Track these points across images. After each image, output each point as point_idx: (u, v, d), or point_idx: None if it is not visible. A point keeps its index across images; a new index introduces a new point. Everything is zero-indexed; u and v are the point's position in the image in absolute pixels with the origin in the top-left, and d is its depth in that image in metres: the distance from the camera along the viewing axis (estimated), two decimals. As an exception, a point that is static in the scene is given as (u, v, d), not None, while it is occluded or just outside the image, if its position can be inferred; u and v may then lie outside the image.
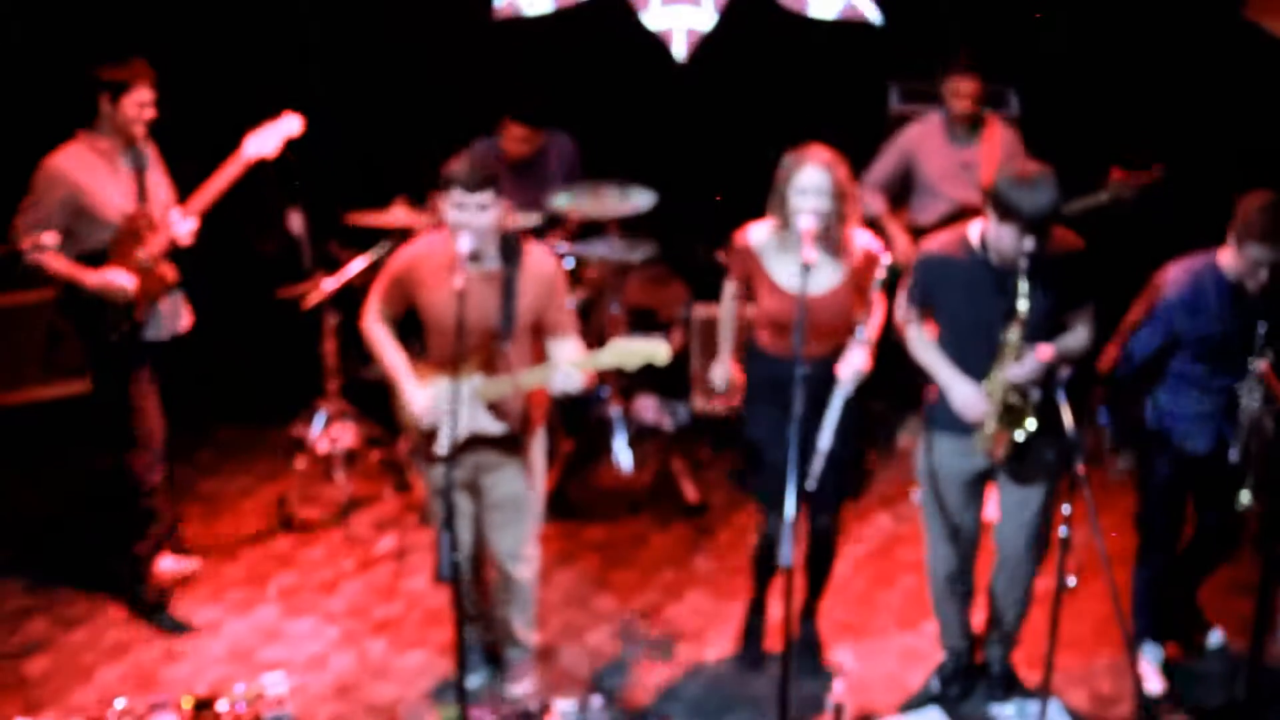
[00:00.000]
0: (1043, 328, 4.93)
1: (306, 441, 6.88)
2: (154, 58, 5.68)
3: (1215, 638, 5.77)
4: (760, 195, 5.13)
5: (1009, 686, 5.52)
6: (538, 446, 5.31)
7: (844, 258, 5.10)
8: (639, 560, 6.45)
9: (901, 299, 5.19)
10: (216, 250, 6.09)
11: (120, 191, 5.68)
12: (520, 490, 5.26)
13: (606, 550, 6.52)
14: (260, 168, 5.92)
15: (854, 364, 4.97)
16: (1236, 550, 5.61)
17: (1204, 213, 5.32)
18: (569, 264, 6.78)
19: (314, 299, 6.50)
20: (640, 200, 6.72)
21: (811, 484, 4.68)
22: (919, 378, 5.24)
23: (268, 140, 5.90)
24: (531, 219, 6.61)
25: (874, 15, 6.68)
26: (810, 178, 4.96)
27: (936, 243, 5.08)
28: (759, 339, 5.34)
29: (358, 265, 6.63)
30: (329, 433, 6.79)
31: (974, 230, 4.97)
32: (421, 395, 5.08)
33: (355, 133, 7.87)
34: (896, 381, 7.19)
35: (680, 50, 6.62)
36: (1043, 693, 4.89)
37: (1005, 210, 4.73)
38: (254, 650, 5.83)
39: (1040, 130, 6.90)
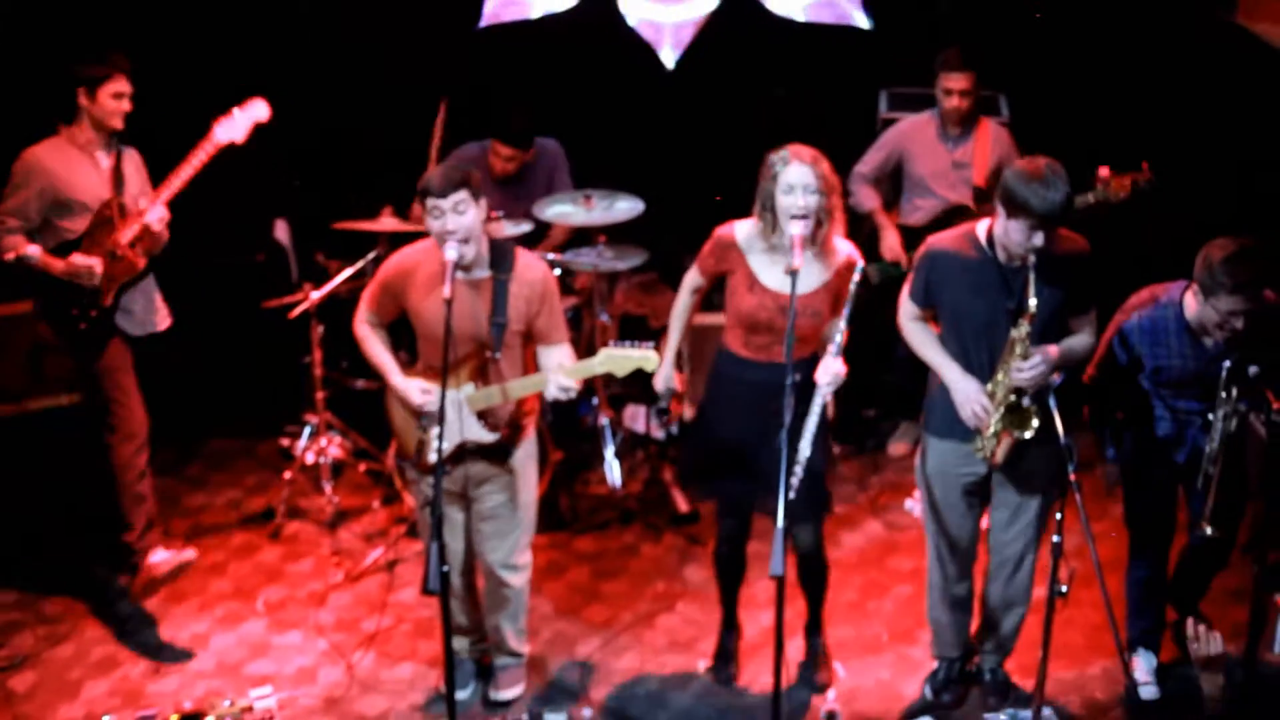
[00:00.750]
0: (1047, 328, 4.90)
1: (294, 453, 6.85)
2: (143, 66, 5.71)
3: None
4: (750, 202, 5.11)
5: (1003, 694, 5.50)
6: (528, 456, 5.28)
7: (826, 260, 5.08)
8: (630, 570, 6.42)
9: (905, 296, 5.16)
10: (202, 260, 6.06)
11: (97, 182, 5.82)
12: (511, 500, 5.23)
13: (597, 560, 6.48)
14: (247, 180, 5.91)
15: (833, 369, 4.92)
16: (1226, 559, 5.60)
17: (1194, 215, 5.31)
18: (557, 273, 6.77)
19: (300, 309, 6.46)
20: (629, 208, 6.69)
21: (791, 493, 4.62)
22: (910, 384, 5.22)
23: (236, 126, 5.94)
24: (521, 228, 6.58)
25: (863, 20, 6.67)
26: (798, 174, 4.94)
27: (943, 239, 5.05)
28: (728, 342, 5.28)
29: (344, 275, 6.60)
30: (316, 444, 6.76)
31: (981, 228, 4.94)
32: (415, 386, 5.06)
33: (341, 142, 7.85)
34: (887, 388, 7.23)
35: (669, 58, 6.60)
36: (1036, 700, 4.86)
37: (1015, 206, 4.69)
38: (242, 664, 5.79)
39: (1028, 130, 6.88)
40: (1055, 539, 4.54)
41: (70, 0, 7.21)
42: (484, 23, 6.82)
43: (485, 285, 4.99)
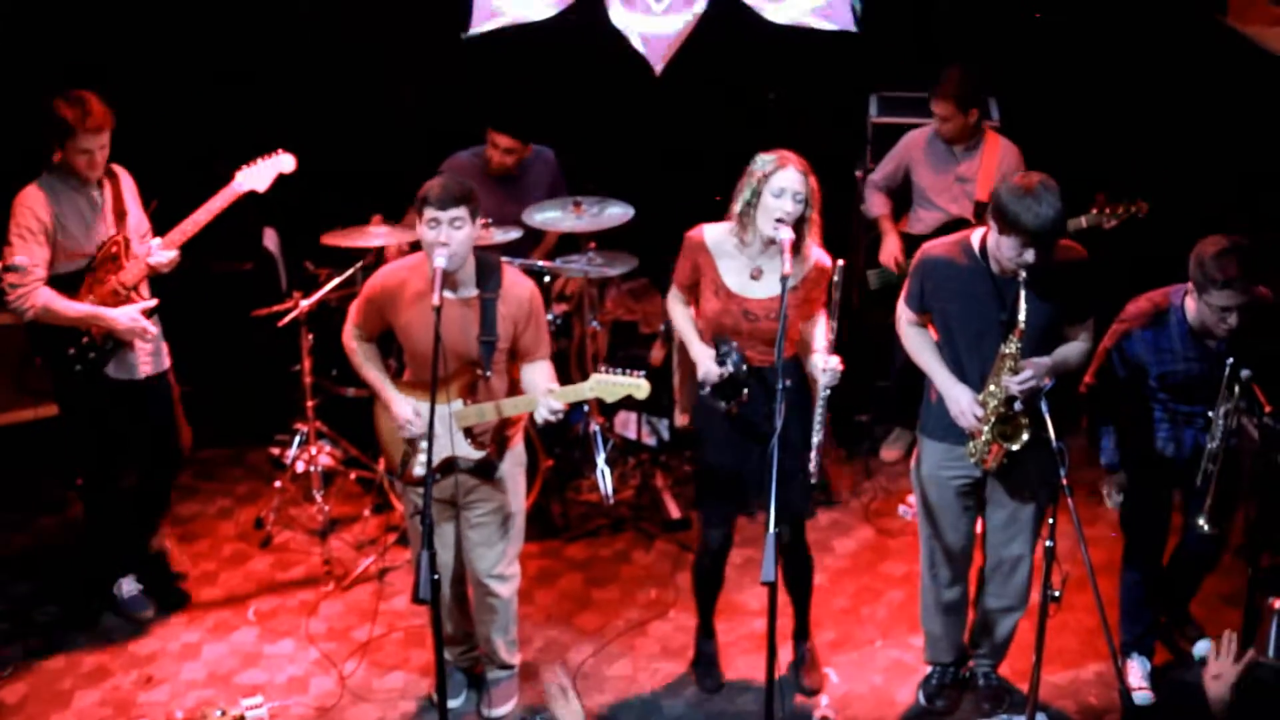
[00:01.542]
0: (1042, 338, 4.89)
1: (284, 461, 6.83)
2: (133, 72, 5.65)
3: (1202, 647, 5.75)
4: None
5: (997, 699, 5.48)
6: (516, 465, 5.26)
7: (800, 266, 5.07)
8: (621, 577, 6.40)
9: (902, 301, 5.16)
10: (192, 269, 6.03)
11: (95, 220, 5.65)
12: (500, 510, 5.22)
13: (588, 568, 6.47)
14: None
15: (831, 365, 4.96)
16: (1218, 559, 5.59)
17: (1190, 218, 5.31)
18: (547, 280, 6.76)
19: (290, 317, 6.44)
20: (619, 214, 6.68)
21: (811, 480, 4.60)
22: (902, 390, 5.21)
23: (261, 175, 5.86)
24: (510, 235, 6.57)
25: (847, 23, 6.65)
26: (790, 179, 4.95)
27: (938, 247, 5.04)
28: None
29: (334, 284, 6.57)
30: (306, 453, 6.73)
31: (975, 236, 4.93)
32: (405, 404, 5.05)
33: (331, 150, 7.82)
34: (881, 394, 7.23)
35: (657, 62, 6.58)
36: (1030, 705, 4.85)
37: (1006, 221, 4.67)
38: (233, 673, 5.77)
39: (1019, 131, 6.87)
40: (1048, 544, 4.53)
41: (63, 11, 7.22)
42: (471, 31, 6.80)
43: (473, 304, 4.98)
